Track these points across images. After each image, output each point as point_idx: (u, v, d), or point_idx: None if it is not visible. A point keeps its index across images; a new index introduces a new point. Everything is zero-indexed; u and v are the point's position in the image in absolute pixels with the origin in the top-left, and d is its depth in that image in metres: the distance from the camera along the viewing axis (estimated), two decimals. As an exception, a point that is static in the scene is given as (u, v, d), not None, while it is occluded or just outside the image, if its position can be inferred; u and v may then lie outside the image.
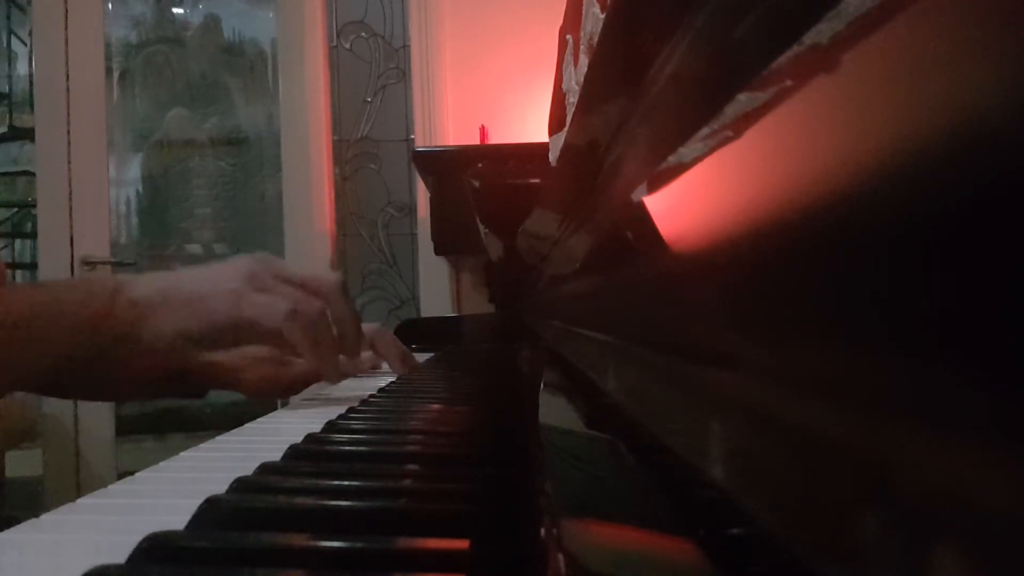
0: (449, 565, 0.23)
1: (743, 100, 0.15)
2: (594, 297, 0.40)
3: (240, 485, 0.32)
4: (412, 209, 2.16)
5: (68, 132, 2.07)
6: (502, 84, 1.98)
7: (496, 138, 1.95)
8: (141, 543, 0.24)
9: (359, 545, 0.24)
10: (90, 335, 0.60)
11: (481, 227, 1.36)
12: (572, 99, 0.65)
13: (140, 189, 2.64)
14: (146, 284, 0.62)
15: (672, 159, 0.21)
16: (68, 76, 2.07)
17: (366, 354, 0.85)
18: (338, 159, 2.18)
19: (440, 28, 2.04)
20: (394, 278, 2.19)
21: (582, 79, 0.46)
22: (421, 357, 0.95)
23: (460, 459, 0.40)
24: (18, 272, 2.70)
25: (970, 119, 0.07)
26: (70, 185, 2.08)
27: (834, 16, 0.11)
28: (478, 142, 1.94)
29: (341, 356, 0.66)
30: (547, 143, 0.86)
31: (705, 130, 0.18)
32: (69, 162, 2.07)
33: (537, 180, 1.18)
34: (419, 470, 0.38)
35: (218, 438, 0.48)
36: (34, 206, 2.24)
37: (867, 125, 0.10)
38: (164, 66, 2.63)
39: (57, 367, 0.61)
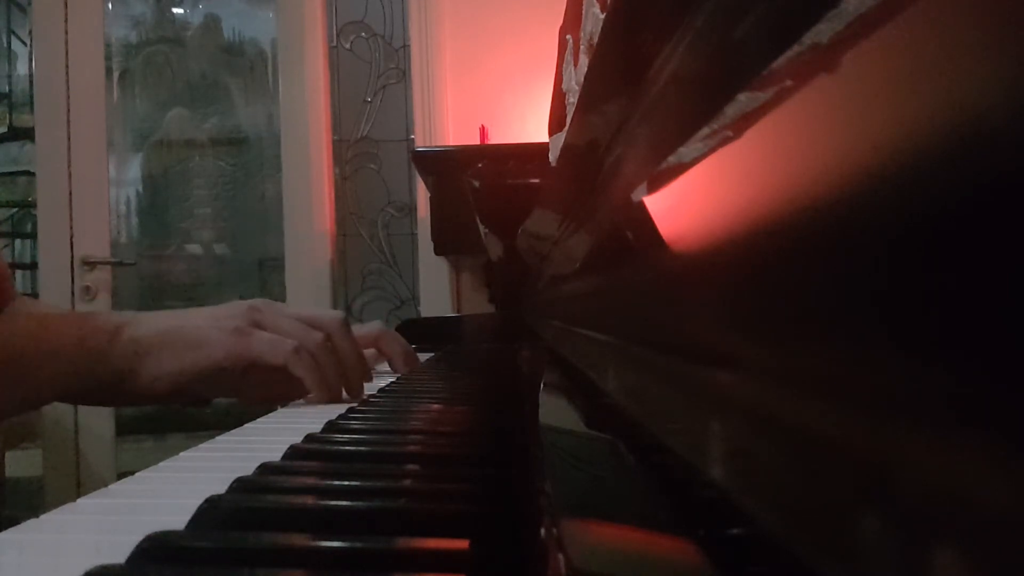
0: (449, 565, 0.23)
1: (743, 100, 0.15)
2: (594, 297, 0.40)
3: (240, 485, 0.32)
4: (412, 209, 2.16)
5: (68, 132, 2.07)
6: (502, 84, 1.98)
7: (496, 138, 1.95)
8: (141, 543, 0.24)
9: (359, 545, 0.24)
10: (86, 375, 0.60)
11: (481, 227, 1.36)
12: (572, 99, 0.65)
13: (140, 189, 2.64)
14: (148, 324, 0.62)
15: (672, 159, 0.21)
16: (68, 76, 2.07)
17: (369, 352, 0.85)
18: (338, 159, 2.18)
19: (440, 28, 2.04)
20: (394, 278, 2.19)
21: (582, 79, 0.46)
22: (421, 357, 0.95)
23: (460, 459, 0.40)
24: (18, 272, 2.70)
25: (970, 119, 0.07)
26: (70, 185, 2.08)
27: (834, 16, 0.11)
28: (478, 142, 1.94)
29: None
30: (547, 143, 0.86)
31: (705, 130, 0.18)
32: (69, 162, 2.08)
33: (537, 180, 1.18)
34: (419, 470, 0.38)
35: (218, 438, 0.48)
36: (34, 206, 2.24)
37: (867, 125, 0.10)
38: (164, 66, 2.63)
39: (48, 401, 0.62)
